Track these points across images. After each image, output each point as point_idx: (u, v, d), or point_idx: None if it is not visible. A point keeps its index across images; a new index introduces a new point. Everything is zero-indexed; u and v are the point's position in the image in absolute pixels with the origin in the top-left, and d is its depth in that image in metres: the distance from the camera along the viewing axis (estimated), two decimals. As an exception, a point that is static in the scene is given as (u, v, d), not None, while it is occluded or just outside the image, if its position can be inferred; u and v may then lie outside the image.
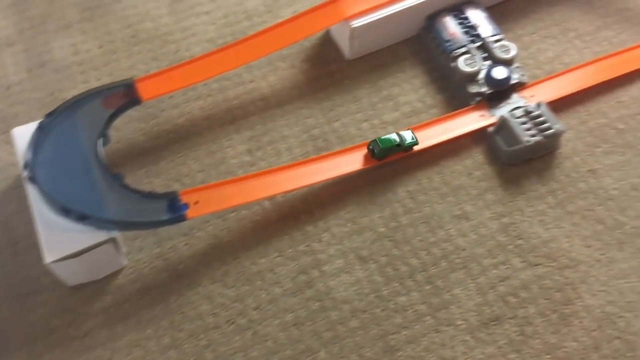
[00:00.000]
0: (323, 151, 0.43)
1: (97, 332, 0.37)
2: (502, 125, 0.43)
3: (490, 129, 0.43)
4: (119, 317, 0.38)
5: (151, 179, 0.42)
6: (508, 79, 0.44)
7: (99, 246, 0.36)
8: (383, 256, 0.40)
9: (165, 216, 0.37)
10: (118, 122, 0.43)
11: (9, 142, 0.42)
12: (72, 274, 0.38)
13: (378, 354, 0.37)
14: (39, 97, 0.46)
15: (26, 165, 0.38)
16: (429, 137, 0.43)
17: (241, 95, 0.46)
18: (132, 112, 0.44)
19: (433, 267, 0.39)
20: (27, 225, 0.39)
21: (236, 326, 0.38)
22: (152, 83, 0.42)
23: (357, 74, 0.47)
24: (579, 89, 0.45)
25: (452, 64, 0.45)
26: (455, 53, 0.45)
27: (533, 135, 0.41)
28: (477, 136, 0.44)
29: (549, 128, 0.42)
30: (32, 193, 0.37)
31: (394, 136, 0.42)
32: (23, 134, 0.39)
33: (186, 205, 0.38)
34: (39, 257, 0.36)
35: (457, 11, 0.47)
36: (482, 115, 0.44)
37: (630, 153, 0.43)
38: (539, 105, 0.43)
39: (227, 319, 0.38)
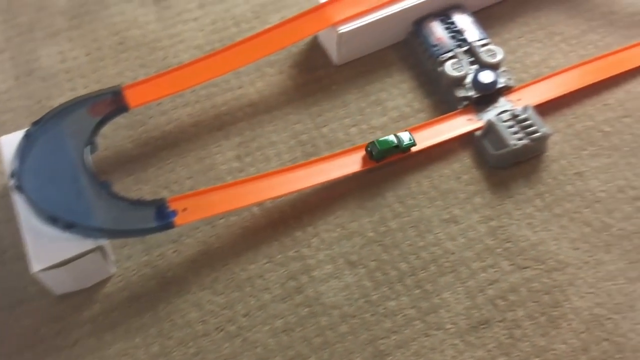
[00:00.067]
0: (312, 156, 0.43)
1: (86, 341, 0.37)
2: (490, 129, 0.43)
3: (478, 132, 0.44)
4: (107, 325, 0.38)
5: (140, 186, 0.42)
6: (495, 83, 0.44)
7: (86, 254, 0.36)
8: (372, 261, 0.40)
9: (153, 224, 0.37)
10: (106, 129, 0.43)
11: (-4, 150, 0.42)
12: (59, 283, 0.38)
13: (368, 359, 0.37)
14: (26, 105, 0.46)
15: (13, 174, 0.38)
16: (417, 141, 0.43)
17: (229, 102, 0.46)
18: (119, 120, 0.44)
19: (422, 271, 0.39)
20: (14, 235, 0.39)
21: (225, 333, 0.37)
22: (140, 90, 0.42)
23: (345, 80, 0.47)
24: (565, 92, 0.45)
25: (439, 69, 0.45)
26: (442, 58, 0.45)
27: (520, 139, 0.42)
28: (465, 140, 0.44)
29: (535, 131, 0.42)
30: (19, 202, 0.37)
31: (391, 138, 0.42)
32: (10, 142, 0.39)
33: (174, 213, 0.37)
34: (26, 266, 0.36)
35: (444, 16, 0.47)
36: (469, 119, 0.44)
37: (616, 155, 0.43)
38: (525, 108, 0.43)
39: (216, 326, 0.38)
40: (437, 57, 0.45)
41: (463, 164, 0.43)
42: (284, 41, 0.45)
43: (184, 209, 0.38)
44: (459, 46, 0.46)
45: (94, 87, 0.46)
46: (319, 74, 0.47)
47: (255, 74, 0.47)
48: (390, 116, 0.45)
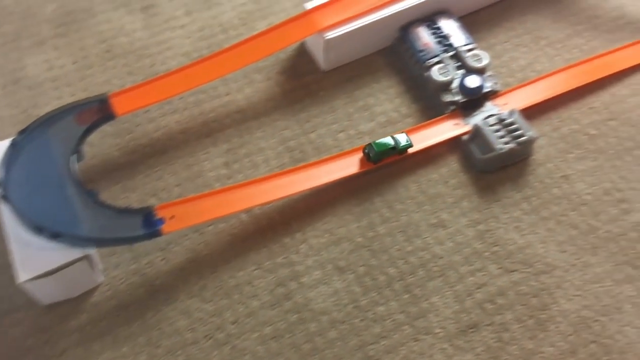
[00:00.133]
0: (300, 162, 0.43)
1: (73, 351, 0.37)
2: (476, 133, 0.43)
3: (465, 137, 0.44)
4: (95, 335, 0.37)
5: (127, 194, 0.42)
6: (481, 87, 0.44)
7: (73, 264, 0.36)
8: (361, 266, 0.40)
9: (140, 232, 0.37)
10: (93, 137, 0.43)
11: (-18, 160, 0.42)
12: (46, 293, 0.37)
13: (357, 365, 0.37)
14: (12, 114, 0.45)
15: (-2, 184, 0.37)
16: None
17: (217, 109, 0.46)
18: (107, 127, 0.44)
19: (411, 276, 0.39)
20: None
21: (214, 341, 0.37)
22: (127, 98, 0.42)
23: (332, 85, 0.47)
24: (551, 96, 0.45)
25: (426, 74, 0.45)
26: (429, 63, 0.46)
27: (506, 143, 0.42)
28: (452, 144, 0.44)
29: (522, 135, 0.42)
30: (5, 211, 0.37)
31: (388, 139, 0.42)
32: (-5, 151, 0.39)
33: (161, 220, 0.37)
34: (12, 276, 0.35)
35: (430, 21, 0.47)
36: (456, 124, 0.44)
37: (602, 158, 0.43)
38: (511, 112, 0.43)
39: (205, 333, 0.38)
40: (424, 62, 0.46)
41: (450, 168, 0.43)
42: (271, 47, 0.45)
43: (172, 217, 0.38)
44: (445, 51, 0.46)
45: (80, 96, 0.46)
46: (307, 80, 0.47)
47: (243, 81, 0.47)
48: (378, 121, 0.46)
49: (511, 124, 0.43)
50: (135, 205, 0.42)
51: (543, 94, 0.45)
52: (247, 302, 0.39)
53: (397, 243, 0.41)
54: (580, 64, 0.47)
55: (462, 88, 0.44)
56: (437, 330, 0.38)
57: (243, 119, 0.46)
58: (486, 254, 0.40)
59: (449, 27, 0.47)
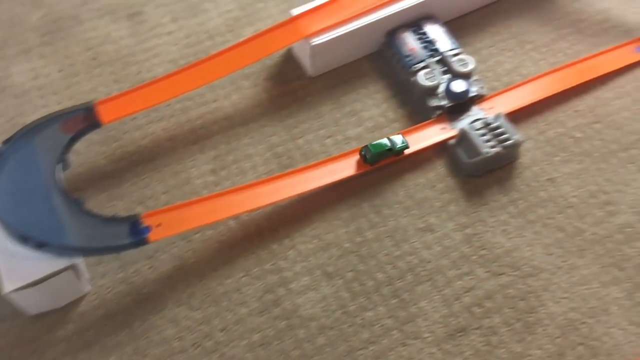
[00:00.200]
0: (287, 168, 0.43)
1: (60, 361, 0.37)
2: (463, 138, 0.43)
3: (452, 141, 0.44)
4: (82, 344, 0.37)
5: (114, 203, 0.42)
6: (467, 92, 0.44)
7: (59, 273, 0.36)
8: (349, 271, 0.40)
9: (126, 240, 0.37)
10: (79, 146, 0.43)
11: (-33, 169, 0.41)
12: (32, 303, 0.37)
13: (346, 371, 0.37)
14: (-2, 123, 0.45)
15: (-17, 194, 0.37)
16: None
17: (204, 115, 0.46)
18: (93, 136, 0.44)
19: (399, 281, 0.40)
20: (-14, 255, 0.39)
21: (202, 349, 0.37)
22: (113, 106, 0.42)
23: (319, 91, 0.47)
24: (536, 100, 0.46)
25: (412, 79, 0.46)
26: (415, 68, 0.46)
27: (493, 147, 0.42)
28: (439, 149, 0.44)
29: (508, 139, 0.42)
30: (-10, 221, 0.37)
31: (385, 141, 0.42)
32: (-20, 161, 0.39)
33: (148, 229, 0.37)
34: (-3, 287, 0.35)
35: (416, 27, 0.48)
36: (443, 128, 0.44)
37: (587, 161, 0.44)
38: (497, 116, 0.43)
39: (193, 342, 0.37)
40: (410, 67, 0.46)
41: (438, 172, 0.44)
42: (258, 54, 0.46)
43: (159, 225, 0.38)
44: (431, 56, 0.46)
45: (67, 104, 0.46)
46: (294, 86, 0.47)
47: (230, 87, 0.47)
48: (365, 126, 0.46)
49: (497, 127, 0.43)
50: (122, 213, 0.41)
51: (529, 98, 0.46)
52: (236, 309, 0.38)
53: (385, 248, 0.41)
54: (565, 67, 0.47)
55: (448, 92, 0.45)
56: (426, 335, 0.38)
57: (230, 125, 0.46)
58: (474, 257, 0.40)
59: (435, 32, 0.47)
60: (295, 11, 0.46)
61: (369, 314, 0.38)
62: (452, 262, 0.40)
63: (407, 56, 0.46)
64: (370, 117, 0.46)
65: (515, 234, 0.41)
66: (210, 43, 0.49)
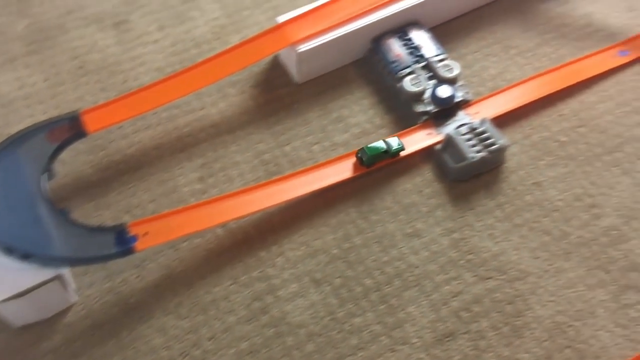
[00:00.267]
0: (275, 175, 0.43)
1: (47, 373, 0.36)
2: (449, 143, 0.44)
3: (438, 146, 0.44)
4: (69, 355, 0.37)
5: (101, 212, 0.42)
6: (452, 97, 0.45)
7: (45, 284, 0.36)
8: (337, 278, 0.40)
9: (112, 250, 0.36)
10: (65, 155, 0.43)
11: (-49, 180, 0.41)
12: (18, 315, 0.37)
13: (335, 378, 0.37)
14: (-17, 133, 0.45)
15: (-33, 205, 0.37)
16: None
17: (191, 123, 0.46)
18: (79, 145, 0.44)
19: (387, 286, 0.40)
20: (-29, 266, 0.38)
21: (190, 358, 0.37)
22: (99, 115, 0.42)
23: (306, 98, 0.47)
24: (521, 104, 0.46)
25: (399, 85, 0.46)
26: (401, 74, 0.46)
27: (478, 151, 0.42)
28: (426, 154, 0.44)
29: (493, 143, 0.43)
30: (-26, 233, 0.36)
31: (380, 143, 0.43)
32: (-36, 172, 0.39)
33: (134, 238, 0.37)
34: (-18, 298, 0.35)
35: (402, 33, 0.48)
36: (429, 134, 0.45)
37: (572, 164, 0.44)
38: (483, 121, 0.44)
39: (181, 351, 0.37)
40: (396, 73, 0.46)
41: (424, 177, 0.44)
42: (244, 61, 0.46)
43: (145, 234, 0.38)
44: (417, 62, 0.46)
45: (53, 113, 0.46)
46: (281, 93, 0.48)
47: (217, 95, 0.47)
48: (352, 132, 0.46)
49: (483, 132, 0.43)
50: (109, 222, 0.41)
51: (514, 102, 0.46)
52: (224, 317, 0.38)
53: (373, 254, 0.41)
54: (550, 72, 0.48)
55: (434, 98, 0.45)
56: (414, 340, 0.38)
57: (217, 133, 0.46)
58: (461, 262, 0.40)
59: (420, 38, 0.48)
60: (282, 18, 0.47)
61: (358, 320, 0.39)
62: (439, 267, 0.40)
63: (393, 62, 0.47)
64: (357, 123, 0.46)
65: (502, 238, 0.41)
66: (197, 51, 0.49)
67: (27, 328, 0.38)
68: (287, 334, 0.38)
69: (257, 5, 0.52)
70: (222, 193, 0.42)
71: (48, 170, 0.39)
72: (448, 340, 0.38)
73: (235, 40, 0.50)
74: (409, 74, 0.46)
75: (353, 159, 0.43)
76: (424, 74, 0.46)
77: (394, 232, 0.42)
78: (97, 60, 0.49)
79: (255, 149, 0.45)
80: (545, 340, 0.38)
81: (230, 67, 0.45)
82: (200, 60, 0.45)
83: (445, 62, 0.46)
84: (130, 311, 0.38)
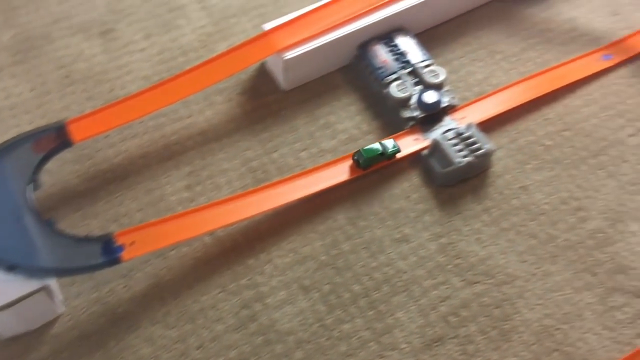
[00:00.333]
0: (262, 182, 0.43)
1: (34, 385, 0.36)
2: (435, 148, 0.44)
3: (425, 151, 0.44)
4: (56, 367, 0.37)
5: (88, 222, 0.42)
6: (438, 102, 0.45)
7: (31, 295, 0.35)
8: (326, 284, 0.40)
9: (99, 260, 0.36)
10: (52, 165, 0.43)
11: (-64, 192, 0.41)
12: (5, 326, 0.37)
13: (324, 385, 0.37)
14: (-32, 144, 0.45)
15: (-48, 216, 0.37)
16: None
17: (179, 131, 0.46)
18: (66, 154, 0.44)
19: (375, 292, 0.40)
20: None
21: (179, 367, 0.37)
22: (85, 124, 0.42)
23: (293, 104, 0.47)
24: (507, 109, 0.46)
25: (385, 91, 0.46)
26: (387, 80, 0.46)
27: (465, 156, 0.43)
28: (413, 159, 0.45)
29: (479, 148, 0.43)
30: (-41, 245, 0.36)
31: (376, 145, 0.43)
32: (-51, 183, 0.38)
33: (121, 247, 0.37)
34: (-33, 311, 0.35)
35: (387, 39, 0.48)
36: (416, 139, 0.45)
37: (558, 168, 0.44)
38: (469, 126, 0.44)
39: (169, 360, 0.37)
40: (382, 79, 0.46)
41: (412, 183, 0.44)
42: (231, 69, 0.46)
43: (132, 243, 0.37)
44: (403, 68, 0.47)
45: (39, 123, 0.46)
46: (268, 100, 0.48)
47: (204, 103, 0.47)
48: (340, 139, 0.46)
49: (469, 137, 0.43)
50: (96, 232, 0.41)
51: (499, 107, 0.46)
52: (212, 326, 0.38)
53: (361, 259, 0.41)
54: (535, 76, 0.48)
55: (421, 104, 0.45)
56: (403, 346, 0.38)
57: (205, 141, 0.46)
58: (449, 267, 0.41)
59: (406, 44, 0.48)
60: (268, 26, 0.47)
61: (346, 326, 0.39)
62: (427, 272, 0.40)
63: (379, 68, 0.47)
64: (344, 130, 0.46)
65: (490, 242, 0.41)
66: (184, 59, 0.49)
67: (14, 340, 0.37)
68: (276, 342, 0.38)
69: (244, 12, 0.52)
70: (210, 201, 0.42)
71: (34, 180, 0.39)
72: (436, 345, 0.38)
73: (222, 48, 0.50)
74: (396, 79, 0.46)
75: (344, 163, 0.43)
76: (410, 80, 0.46)
77: (382, 237, 0.42)
78: (83, 70, 0.49)
79: (243, 157, 0.45)
80: (533, 344, 0.38)
81: (217, 75, 0.45)
82: (187, 68, 0.45)
83: (431, 67, 0.47)
84: (118, 321, 0.38)
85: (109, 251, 0.37)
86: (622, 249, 0.41)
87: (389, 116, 0.47)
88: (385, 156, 0.43)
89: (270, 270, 0.40)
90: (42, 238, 0.36)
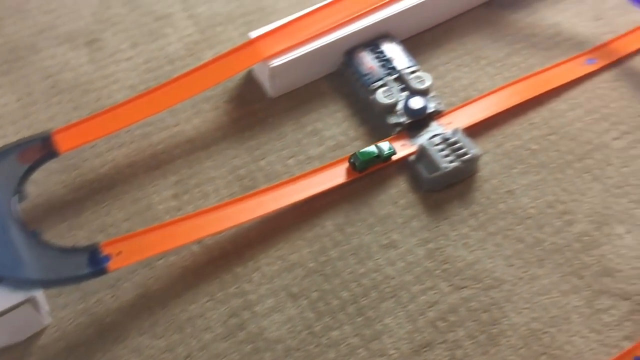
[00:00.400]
0: (250, 190, 0.43)
1: (20, 398, 0.36)
2: (422, 154, 0.44)
3: (412, 157, 0.45)
4: (43, 379, 0.36)
5: (74, 232, 0.41)
6: (424, 108, 0.45)
7: (17, 307, 0.35)
8: (314, 291, 0.40)
9: (85, 270, 0.36)
10: (38, 175, 0.43)
11: None
12: (-10, 339, 0.36)
13: (313, 392, 0.37)
14: (-47, 155, 0.44)
15: (-64, 229, 0.36)
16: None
17: (166, 140, 0.46)
18: (52, 165, 0.43)
19: (363, 299, 0.40)
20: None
21: (167, 377, 0.37)
22: (70, 134, 0.42)
23: (280, 112, 0.48)
24: (493, 114, 0.47)
25: (371, 97, 0.46)
26: (374, 86, 0.46)
27: (451, 162, 0.43)
28: (400, 165, 0.45)
29: (466, 153, 0.43)
30: (-56, 257, 0.36)
31: (372, 148, 0.43)
32: None
33: (107, 257, 0.37)
34: (-48, 324, 0.34)
35: (373, 45, 0.48)
36: (403, 145, 0.45)
37: (544, 172, 0.45)
38: (455, 131, 0.44)
39: (157, 370, 0.37)
40: (369, 85, 0.47)
41: (399, 188, 0.44)
42: (218, 77, 0.46)
43: (119, 253, 0.37)
44: (389, 74, 0.47)
45: (25, 133, 0.46)
46: (255, 108, 0.48)
47: (191, 111, 0.47)
48: (327, 145, 0.46)
49: (455, 142, 0.44)
50: (83, 242, 0.41)
51: (485, 112, 0.47)
52: (200, 335, 0.38)
53: (350, 266, 0.41)
54: (520, 81, 0.48)
55: (407, 110, 0.45)
56: (392, 352, 0.38)
57: (192, 149, 0.46)
58: (437, 272, 0.41)
59: (392, 50, 0.48)
60: (254, 34, 0.47)
61: (335, 333, 0.38)
62: (415, 277, 0.40)
63: (366, 75, 0.47)
64: (332, 136, 0.46)
65: (477, 246, 0.42)
66: (170, 67, 0.49)
67: (1, 352, 0.37)
68: (265, 350, 0.38)
69: (230, 21, 0.52)
70: (198, 209, 0.42)
71: (19, 191, 0.39)
72: (425, 351, 0.38)
73: (208, 56, 0.50)
74: (382, 86, 0.46)
75: (339, 167, 0.44)
76: (397, 86, 0.47)
77: (370, 243, 0.42)
78: (69, 79, 0.48)
79: (231, 164, 0.45)
80: (521, 348, 0.38)
81: (204, 83, 0.45)
82: (173, 76, 0.45)
83: (417, 73, 0.47)
84: (105, 332, 0.38)
85: (95, 262, 0.36)
86: (608, 251, 0.41)
87: (376, 122, 0.47)
88: (381, 158, 0.43)
89: (259, 278, 0.40)
90: (28, 249, 0.36)
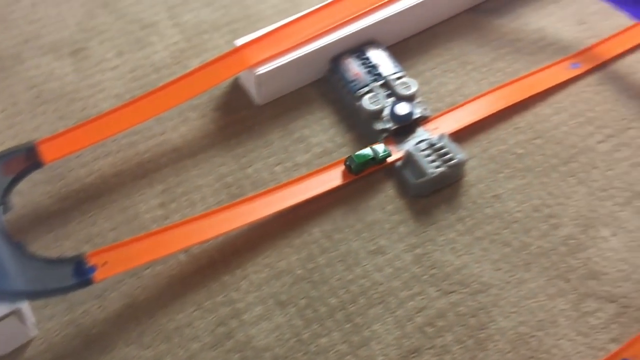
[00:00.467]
0: (237, 198, 0.43)
1: (6, 411, 0.36)
2: (408, 159, 0.44)
3: (398, 163, 0.45)
4: (28, 392, 0.36)
5: (60, 242, 0.41)
6: (410, 114, 0.45)
7: (2, 320, 0.35)
8: (302, 299, 0.40)
9: (71, 281, 0.36)
10: (23, 186, 0.42)
11: None
12: (-25, 352, 0.36)
13: (302, 400, 0.36)
14: (-63, 167, 0.44)
15: None
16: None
17: (152, 148, 0.46)
18: (37, 175, 0.43)
19: (352, 305, 0.40)
20: None
21: (154, 388, 0.37)
22: (55, 144, 0.41)
23: (267, 119, 0.48)
24: (479, 118, 0.47)
25: (358, 103, 0.46)
26: (360, 92, 0.47)
27: (438, 167, 0.43)
28: (387, 171, 0.45)
29: (452, 158, 0.43)
30: None
31: (367, 150, 0.43)
32: None
33: (93, 268, 0.37)
34: None
35: (359, 52, 0.49)
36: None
37: (530, 176, 0.45)
38: (441, 137, 0.45)
39: (144, 381, 0.37)
40: (355, 92, 0.47)
41: (387, 194, 0.44)
42: (204, 85, 0.46)
43: (104, 263, 0.37)
44: (375, 80, 0.47)
45: (11, 143, 0.45)
46: (242, 115, 0.48)
47: (177, 119, 0.47)
48: (314, 152, 0.46)
49: (441, 148, 0.44)
50: (70, 253, 0.41)
51: (471, 117, 0.47)
52: (187, 344, 0.38)
53: (337, 272, 0.41)
54: (505, 86, 0.49)
55: (393, 115, 0.45)
56: (380, 358, 0.38)
57: (179, 157, 0.46)
58: (424, 277, 0.41)
59: (378, 56, 0.48)
60: (240, 41, 0.47)
61: (323, 340, 0.38)
62: (403, 283, 0.41)
63: (352, 81, 0.47)
64: (319, 143, 0.47)
65: (464, 251, 0.42)
66: (157, 76, 0.49)
67: (-16, 366, 0.37)
68: (253, 358, 0.38)
69: (216, 29, 0.52)
70: (185, 218, 0.42)
71: (4, 203, 0.38)
72: (413, 357, 0.38)
73: (195, 64, 0.50)
74: (368, 92, 0.47)
75: (335, 170, 0.44)
76: (383, 92, 0.47)
77: (358, 250, 0.42)
78: (54, 89, 0.48)
79: (217, 172, 0.45)
80: (509, 352, 0.38)
81: (190, 91, 0.45)
82: (160, 85, 0.45)
83: (403, 79, 0.47)
84: (92, 343, 0.38)
85: (80, 272, 0.36)
86: (594, 254, 0.42)
87: (363, 128, 0.47)
88: (377, 160, 0.44)
89: (246, 286, 0.40)
90: (12, 261, 0.36)
